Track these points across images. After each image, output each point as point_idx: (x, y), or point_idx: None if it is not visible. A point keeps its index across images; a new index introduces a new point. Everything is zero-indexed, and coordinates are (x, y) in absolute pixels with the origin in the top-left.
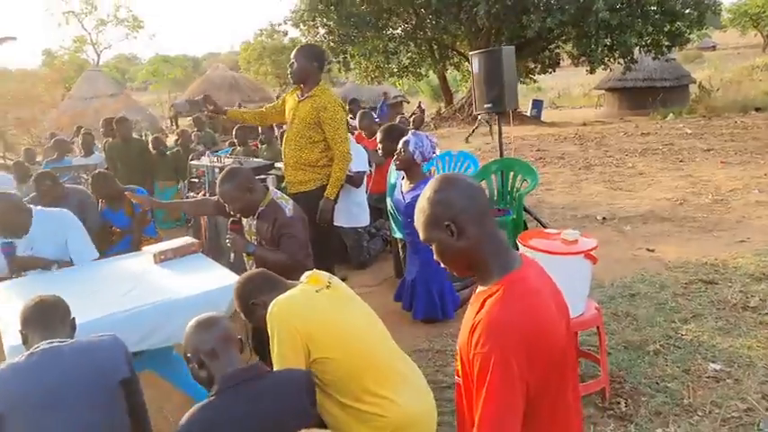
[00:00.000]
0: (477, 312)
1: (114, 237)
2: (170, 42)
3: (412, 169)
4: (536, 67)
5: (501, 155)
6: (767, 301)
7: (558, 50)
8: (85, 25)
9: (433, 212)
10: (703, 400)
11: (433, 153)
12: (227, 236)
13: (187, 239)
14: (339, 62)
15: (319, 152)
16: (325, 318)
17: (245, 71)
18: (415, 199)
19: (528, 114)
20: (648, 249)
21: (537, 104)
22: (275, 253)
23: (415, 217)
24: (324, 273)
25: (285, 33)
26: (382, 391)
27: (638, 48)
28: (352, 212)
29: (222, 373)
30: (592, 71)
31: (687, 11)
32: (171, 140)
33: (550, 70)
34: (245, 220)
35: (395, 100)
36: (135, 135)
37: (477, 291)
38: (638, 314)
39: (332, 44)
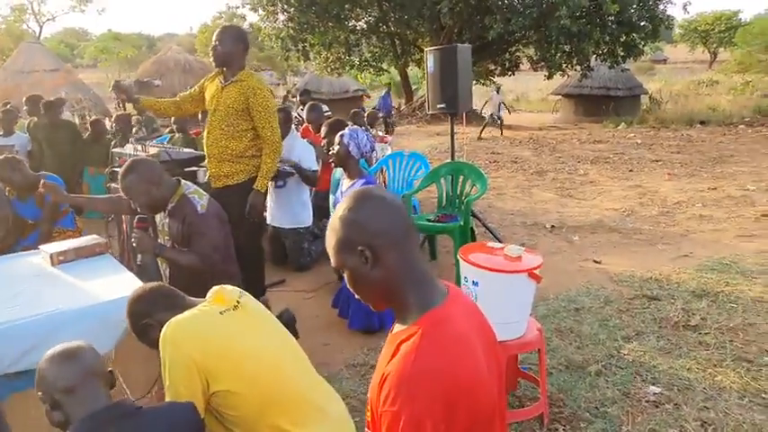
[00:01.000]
0: (391, 359)
1: (26, 229)
2: (126, 20)
3: (349, 165)
4: (496, 69)
5: (452, 157)
6: (707, 320)
7: (518, 54)
8: None
9: (345, 234)
10: (641, 428)
11: (371, 149)
12: (133, 235)
13: (93, 238)
14: (298, 51)
15: (248, 141)
16: (227, 344)
17: (202, 54)
18: None
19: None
20: (595, 261)
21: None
22: (186, 255)
23: (326, 237)
24: (233, 289)
25: (244, 17)
26: (295, 429)
27: (594, 56)
28: (295, 212)
29: (79, 414)
30: (550, 76)
31: (642, 23)
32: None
33: (510, 73)
34: (157, 217)
35: (355, 94)
36: (71, 115)
37: (395, 330)
38: (581, 330)
39: (291, 32)
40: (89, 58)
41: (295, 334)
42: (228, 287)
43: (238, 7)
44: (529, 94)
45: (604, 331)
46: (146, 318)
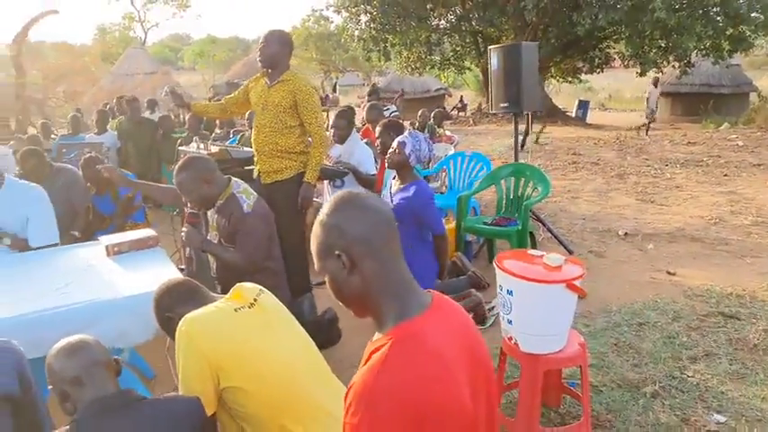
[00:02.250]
0: (364, 364)
1: (104, 223)
2: (224, 24)
3: (404, 170)
4: (584, 67)
5: (516, 158)
6: None
7: (608, 50)
8: (134, 2)
9: (325, 239)
10: None
11: (429, 157)
12: (182, 229)
13: (146, 231)
14: (379, 51)
15: (296, 138)
16: (238, 342)
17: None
18: (403, 200)
19: (573, 115)
20: (669, 272)
21: (583, 105)
22: (230, 252)
23: (311, 241)
24: (252, 287)
25: (330, 20)
26: (298, 431)
27: (696, 51)
28: None
29: (86, 402)
30: (642, 73)
31: (753, 14)
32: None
33: (599, 70)
34: (209, 213)
35: (437, 93)
36: (166, 114)
37: (374, 338)
38: (642, 347)
39: (373, 32)
40: (188, 62)
41: (338, 333)
42: (249, 284)
43: (322, 9)
44: (623, 92)
45: (668, 349)
46: (168, 311)
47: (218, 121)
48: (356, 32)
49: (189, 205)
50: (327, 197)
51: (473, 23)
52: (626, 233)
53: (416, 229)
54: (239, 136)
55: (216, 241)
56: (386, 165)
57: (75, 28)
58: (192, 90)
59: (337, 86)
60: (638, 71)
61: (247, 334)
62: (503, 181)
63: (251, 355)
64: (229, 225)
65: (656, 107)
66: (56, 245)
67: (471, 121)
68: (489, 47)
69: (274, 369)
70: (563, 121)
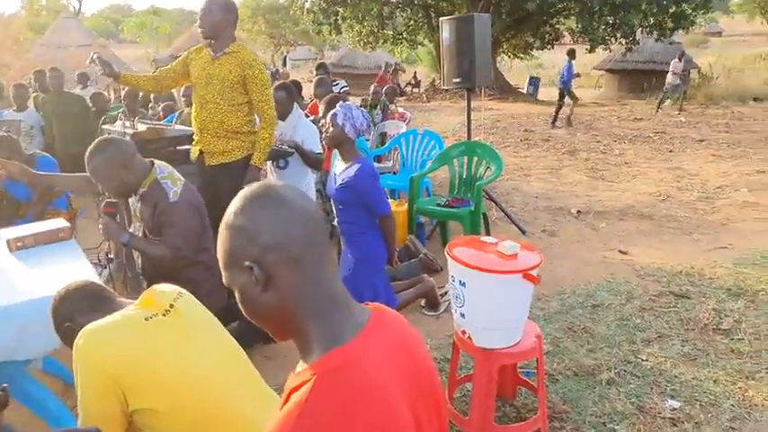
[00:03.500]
0: (282, 408)
1: (20, 211)
2: None
3: (344, 146)
4: (534, 42)
5: (469, 137)
6: (742, 324)
7: (559, 26)
8: None
9: (231, 246)
10: None
11: (368, 125)
12: (99, 221)
13: (57, 223)
14: (330, 24)
15: (243, 116)
16: (148, 356)
17: (238, 30)
18: (348, 181)
19: (524, 91)
20: (621, 251)
21: (534, 81)
22: (154, 246)
23: (217, 244)
24: (168, 291)
25: None
26: None
27: (640, 28)
28: None
29: None
30: (592, 50)
31: None
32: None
33: (549, 47)
34: (131, 201)
35: (391, 68)
36: (98, 90)
37: (296, 371)
38: (596, 331)
39: (323, 5)
40: (129, 34)
41: None
42: (165, 287)
43: None
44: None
45: (622, 332)
46: (67, 320)
47: (152, 97)
48: (306, 4)
49: (106, 193)
50: (272, 178)
51: None
52: (578, 211)
53: (364, 212)
54: (177, 113)
55: (140, 233)
56: (325, 144)
57: None
58: (134, 64)
59: (288, 61)
60: (588, 48)
61: (159, 346)
62: (455, 160)
63: (163, 371)
64: (154, 215)
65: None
66: None
67: (425, 98)
68: (441, 18)
69: (191, 385)
70: (514, 98)
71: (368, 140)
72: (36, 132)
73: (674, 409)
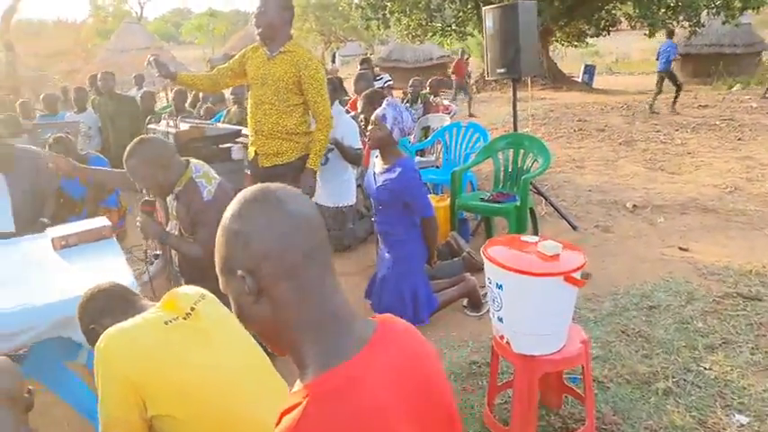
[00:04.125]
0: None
1: (75, 208)
2: None
3: (387, 147)
4: (589, 30)
5: (515, 128)
6: None
7: (614, 12)
8: None
9: (226, 251)
10: None
11: (413, 125)
12: (137, 219)
13: (100, 221)
14: (378, 19)
15: (298, 117)
16: (168, 361)
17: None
18: (388, 182)
19: (579, 80)
20: (681, 248)
21: (589, 70)
22: (188, 245)
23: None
24: (190, 294)
25: None
26: None
27: (706, 10)
28: (337, 190)
29: None
30: (651, 34)
31: None
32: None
33: (605, 33)
34: (168, 200)
35: (439, 61)
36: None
37: (293, 389)
38: (653, 335)
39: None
40: (187, 36)
41: None
42: (187, 289)
43: None
44: (631, 54)
45: (682, 337)
46: (92, 322)
47: (200, 96)
48: (354, 0)
49: (143, 191)
50: None
51: None
52: (634, 205)
53: (404, 213)
54: (225, 111)
55: (177, 231)
56: (369, 145)
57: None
58: (192, 65)
59: (337, 57)
60: (647, 33)
61: (178, 352)
62: (500, 153)
63: (182, 377)
64: (189, 214)
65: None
66: (11, 234)
67: (475, 89)
68: (484, 7)
69: (211, 392)
70: (568, 87)
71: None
72: (94, 133)
73: (742, 425)
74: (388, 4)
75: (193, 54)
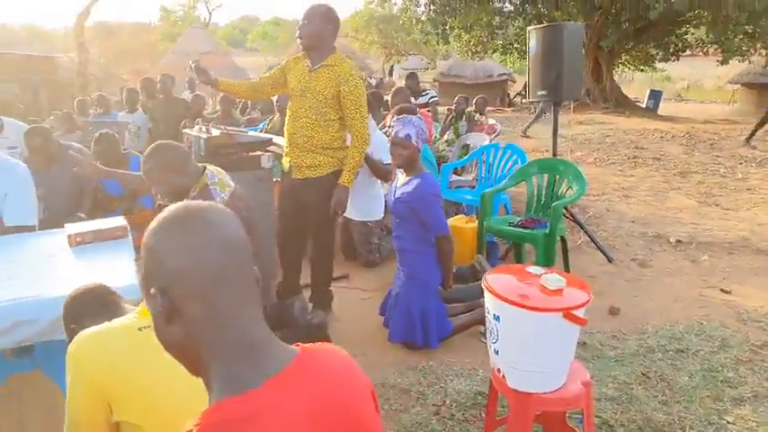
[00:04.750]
0: None
1: (111, 205)
2: (292, 5)
3: (413, 164)
4: (657, 54)
5: (553, 153)
6: None
7: (686, 36)
8: None
9: (145, 267)
10: None
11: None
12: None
13: (116, 221)
14: (438, 34)
15: (334, 132)
16: (135, 368)
17: (352, 39)
18: (405, 196)
19: (643, 106)
20: (723, 290)
21: (654, 95)
22: None
23: None
24: None
25: (393, 2)
26: None
27: None
28: (365, 204)
29: None
30: (724, 61)
31: None
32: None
33: (674, 58)
34: None
35: (499, 78)
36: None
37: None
38: (676, 380)
39: (432, 14)
40: (252, 43)
41: (326, 339)
42: None
43: None
44: (704, 81)
45: (708, 386)
46: (73, 323)
47: (249, 104)
48: (416, 14)
49: (159, 196)
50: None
51: (539, 6)
52: (678, 240)
53: (420, 229)
54: (268, 119)
55: None
56: (395, 163)
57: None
58: (253, 72)
59: (395, 70)
60: (720, 59)
61: (147, 359)
62: (534, 177)
63: (147, 385)
64: None
65: None
66: (33, 227)
67: (532, 109)
68: (528, 27)
69: (176, 403)
70: (631, 112)
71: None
72: (143, 133)
73: None
74: (450, 20)
75: (257, 61)
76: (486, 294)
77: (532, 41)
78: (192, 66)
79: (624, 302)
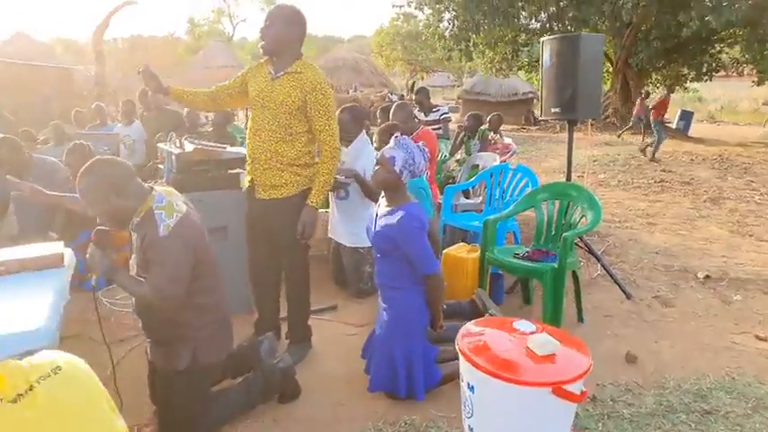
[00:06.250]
0: None
1: (87, 223)
2: (316, 21)
3: (395, 192)
4: (689, 74)
5: (568, 177)
6: None
7: (720, 55)
8: None
9: None
10: None
11: (425, 167)
12: (88, 250)
13: (55, 248)
14: (461, 50)
15: (301, 146)
16: None
17: (377, 55)
18: (386, 229)
19: (673, 126)
20: (759, 337)
21: (685, 116)
22: (137, 284)
23: None
24: (40, 363)
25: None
26: None
27: None
28: (356, 229)
29: None
30: (760, 82)
31: None
32: None
33: (706, 78)
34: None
35: (524, 96)
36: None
37: None
38: None
39: (455, 30)
40: None
41: (294, 387)
42: (40, 357)
43: (402, 6)
44: (738, 103)
45: None
46: None
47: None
48: (439, 30)
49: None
50: (333, 209)
51: (566, 23)
52: (707, 276)
53: (405, 265)
54: None
55: (135, 268)
56: (374, 184)
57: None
58: None
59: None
60: (755, 80)
61: None
62: (543, 204)
63: None
64: (142, 249)
65: None
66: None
67: (558, 128)
68: (542, 38)
69: None
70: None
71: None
72: (138, 146)
73: None
74: (473, 36)
75: None
76: (461, 357)
77: (546, 53)
78: (141, 70)
79: (643, 348)
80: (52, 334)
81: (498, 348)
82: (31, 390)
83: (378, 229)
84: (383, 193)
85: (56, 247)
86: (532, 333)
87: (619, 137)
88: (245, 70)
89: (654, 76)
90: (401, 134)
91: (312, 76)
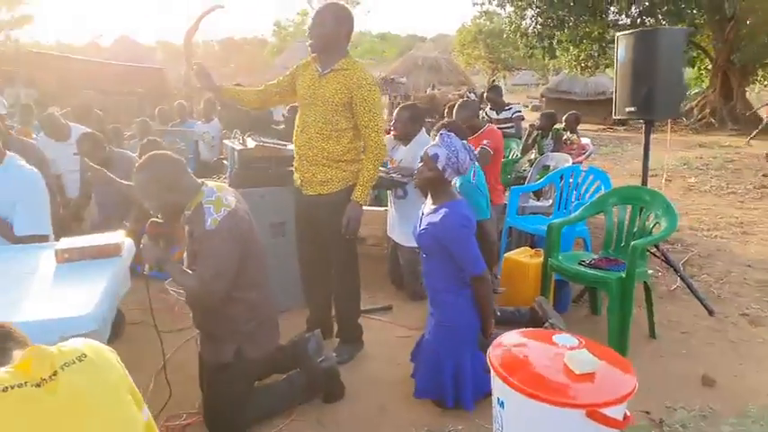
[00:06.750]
0: None
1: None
2: (396, 20)
3: (438, 190)
4: None
5: (644, 181)
6: None
7: None
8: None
9: None
10: None
11: (471, 162)
12: (142, 241)
13: (111, 237)
14: (543, 48)
15: (347, 143)
16: None
17: (458, 54)
18: (431, 228)
19: None
20: None
21: None
22: (186, 276)
23: None
24: (63, 351)
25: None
26: None
27: None
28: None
29: None
30: None
31: None
32: None
33: None
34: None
35: (611, 96)
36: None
37: None
38: None
39: (538, 28)
40: (360, 58)
41: (339, 386)
42: (65, 346)
43: (483, 4)
44: None
45: None
46: None
47: None
48: (521, 28)
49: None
50: (391, 208)
51: (659, 18)
52: None
53: (451, 266)
54: None
55: (186, 260)
56: (415, 184)
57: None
58: None
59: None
60: None
61: (14, 426)
62: (614, 209)
63: None
64: (192, 242)
65: None
66: (46, 237)
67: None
68: (617, 33)
69: None
70: (764, 136)
71: (525, 171)
72: (216, 142)
73: None
74: (557, 33)
75: None
76: (492, 372)
77: (621, 49)
78: (195, 69)
79: (723, 371)
80: (99, 320)
81: (531, 363)
82: (54, 375)
83: (422, 227)
84: (429, 192)
85: (117, 236)
86: (572, 348)
87: (747, 143)
88: (294, 68)
89: (761, 73)
90: (447, 131)
91: (358, 73)
